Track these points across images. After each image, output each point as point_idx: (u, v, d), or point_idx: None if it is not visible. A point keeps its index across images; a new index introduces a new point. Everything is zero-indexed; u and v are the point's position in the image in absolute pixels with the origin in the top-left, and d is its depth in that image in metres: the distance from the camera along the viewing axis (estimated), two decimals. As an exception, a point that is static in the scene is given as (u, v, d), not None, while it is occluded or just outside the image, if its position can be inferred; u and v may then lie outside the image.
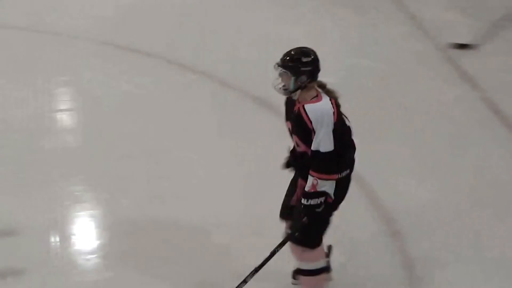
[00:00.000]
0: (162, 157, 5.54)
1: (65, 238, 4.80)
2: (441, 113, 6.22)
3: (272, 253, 4.00)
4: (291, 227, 4.05)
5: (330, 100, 3.79)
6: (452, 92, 6.54)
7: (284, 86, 3.79)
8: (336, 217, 4.02)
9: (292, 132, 3.90)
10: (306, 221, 3.88)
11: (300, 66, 3.74)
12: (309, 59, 3.76)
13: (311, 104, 3.74)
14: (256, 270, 4.03)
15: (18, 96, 6.17)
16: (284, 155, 4.02)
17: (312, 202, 3.82)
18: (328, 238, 4.09)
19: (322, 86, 3.84)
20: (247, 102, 6.22)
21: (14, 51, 6.82)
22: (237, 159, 5.51)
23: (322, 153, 3.72)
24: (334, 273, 4.29)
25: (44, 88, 6.36)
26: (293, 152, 3.99)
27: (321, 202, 3.81)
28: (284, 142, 4.02)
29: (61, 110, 6.13)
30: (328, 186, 3.79)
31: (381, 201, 5.10)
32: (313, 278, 4.14)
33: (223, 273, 4.44)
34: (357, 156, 3.94)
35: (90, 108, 6.15)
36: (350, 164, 3.93)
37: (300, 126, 3.78)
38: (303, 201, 3.85)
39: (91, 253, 4.69)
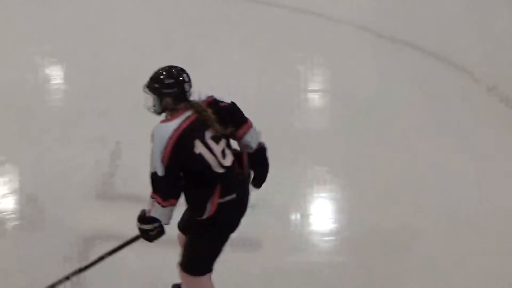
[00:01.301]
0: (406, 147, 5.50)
1: (305, 217, 4.89)
2: None
3: (112, 251, 3.88)
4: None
5: (188, 122, 3.51)
6: None
7: (154, 106, 3.61)
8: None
9: None
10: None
11: (162, 88, 3.55)
12: (172, 81, 3.55)
13: (157, 124, 3.56)
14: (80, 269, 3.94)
15: (273, 73, 6.34)
16: None
17: (146, 227, 3.65)
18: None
19: (193, 106, 3.56)
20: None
21: (274, 28, 6.96)
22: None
23: (154, 173, 3.52)
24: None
25: (298, 67, 6.47)
26: None
27: (154, 227, 3.63)
28: None
29: (312, 91, 6.23)
30: (159, 213, 3.58)
31: None
32: None
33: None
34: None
35: (340, 91, 6.18)
36: (233, 188, 3.63)
37: None
38: (137, 223, 3.68)
39: (329, 235, 4.75)
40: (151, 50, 6.41)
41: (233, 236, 4.49)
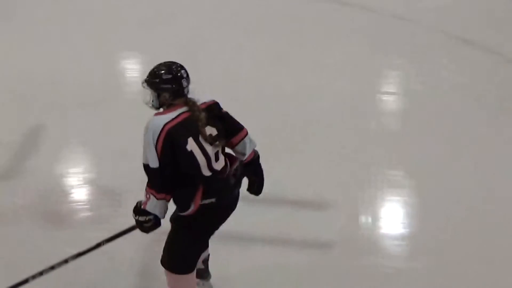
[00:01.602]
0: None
1: (376, 220, 4.82)
2: None
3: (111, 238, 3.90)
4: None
5: (182, 117, 3.51)
6: None
7: (152, 101, 3.63)
8: None
9: None
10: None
11: (160, 83, 3.57)
12: (170, 76, 3.57)
13: (151, 117, 3.57)
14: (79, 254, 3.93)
15: (340, 71, 6.37)
16: None
17: (141, 218, 3.66)
18: None
19: (189, 104, 3.55)
20: None
21: (352, 29, 7.03)
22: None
23: (146, 165, 3.55)
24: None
25: (373, 68, 6.47)
26: None
27: (149, 219, 3.64)
28: None
29: (386, 93, 6.19)
30: (154, 206, 3.59)
31: None
32: None
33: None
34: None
35: (416, 93, 6.15)
36: (214, 193, 3.58)
37: None
38: (132, 215, 3.70)
39: (401, 239, 4.67)
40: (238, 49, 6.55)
41: (306, 236, 4.53)
